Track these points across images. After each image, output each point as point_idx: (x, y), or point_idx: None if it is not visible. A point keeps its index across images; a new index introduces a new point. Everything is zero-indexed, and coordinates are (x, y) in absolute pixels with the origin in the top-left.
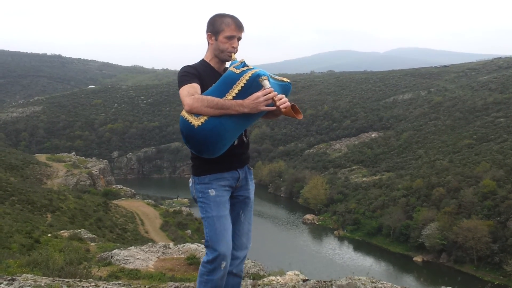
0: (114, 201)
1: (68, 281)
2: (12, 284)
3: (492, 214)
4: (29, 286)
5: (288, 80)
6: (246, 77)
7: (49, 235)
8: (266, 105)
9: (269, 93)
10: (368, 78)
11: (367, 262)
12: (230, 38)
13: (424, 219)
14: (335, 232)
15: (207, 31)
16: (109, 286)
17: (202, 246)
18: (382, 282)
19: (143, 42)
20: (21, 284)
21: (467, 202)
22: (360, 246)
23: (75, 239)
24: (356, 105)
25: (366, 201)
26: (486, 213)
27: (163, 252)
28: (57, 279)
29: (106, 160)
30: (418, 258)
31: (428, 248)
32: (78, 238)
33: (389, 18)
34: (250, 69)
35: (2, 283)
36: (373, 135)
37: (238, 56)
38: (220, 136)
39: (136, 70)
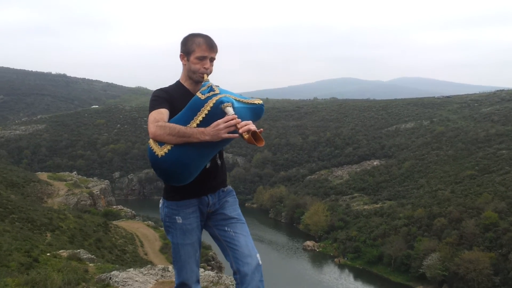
0: (114, 222)
1: None
2: None
3: (494, 246)
4: None
5: (260, 102)
6: (210, 103)
7: (48, 254)
8: (229, 132)
9: (231, 120)
10: (371, 106)
11: None
12: (201, 58)
13: (425, 249)
14: (335, 259)
15: (180, 52)
16: None
17: (202, 270)
18: None
19: (148, 63)
20: None
21: (468, 233)
22: (360, 275)
23: (74, 259)
24: (359, 132)
25: (367, 229)
26: (488, 245)
27: (162, 275)
28: None
29: (107, 180)
30: None
31: (429, 279)
32: (77, 258)
33: (394, 47)
34: (215, 94)
35: None
36: (375, 163)
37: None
38: (184, 166)
39: (140, 91)
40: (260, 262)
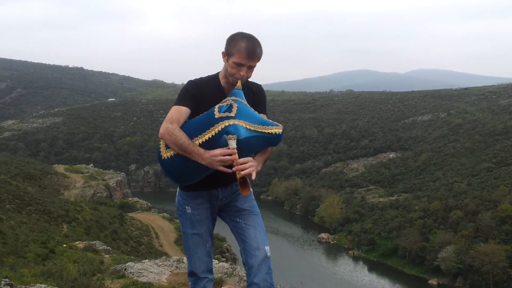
0: (130, 214)
1: None
2: None
3: (510, 239)
4: None
5: (279, 131)
6: (218, 127)
7: (64, 245)
8: (224, 166)
9: (230, 154)
10: (388, 98)
11: (381, 283)
12: (238, 65)
13: (441, 242)
14: (350, 252)
15: (224, 48)
16: None
17: (216, 261)
18: None
19: (164, 57)
20: None
21: (484, 226)
22: (375, 267)
23: (90, 250)
24: (375, 125)
25: (382, 222)
26: (504, 238)
27: (176, 267)
28: None
29: (123, 173)
30: (433, 281)
31: (444, 271)
32: (93, 250)
33: (411, 39)
34: (228, 117)
35: None
36: (391, 155)
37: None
38: (183, 173)
39: (157, 84)
40: (269, 254)
